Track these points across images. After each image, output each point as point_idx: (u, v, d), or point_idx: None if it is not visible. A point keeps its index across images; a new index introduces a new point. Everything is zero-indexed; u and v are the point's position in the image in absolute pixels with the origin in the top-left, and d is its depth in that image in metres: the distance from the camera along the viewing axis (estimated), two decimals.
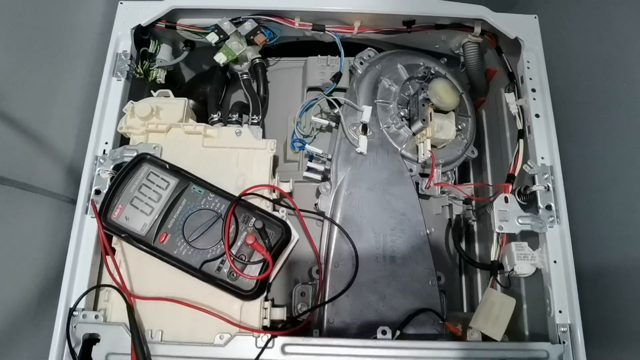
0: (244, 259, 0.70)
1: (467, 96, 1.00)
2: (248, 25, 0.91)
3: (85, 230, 0.76)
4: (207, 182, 0.74)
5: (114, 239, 0.74)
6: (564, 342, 0.72)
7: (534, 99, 0.87)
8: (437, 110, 0.89)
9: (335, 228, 0.82)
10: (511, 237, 0.82)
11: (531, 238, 0.82)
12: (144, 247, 0.69)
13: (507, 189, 0.82)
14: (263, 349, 0.67)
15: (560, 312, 0.75)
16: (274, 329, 0.76)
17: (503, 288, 0.82)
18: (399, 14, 0.92)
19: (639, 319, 0.75)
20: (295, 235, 0.76)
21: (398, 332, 0.74)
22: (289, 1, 0.90)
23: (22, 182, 0.71)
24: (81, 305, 0.72)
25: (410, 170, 0.90)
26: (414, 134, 0.91)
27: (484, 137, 1.13)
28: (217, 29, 0.91)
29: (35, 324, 0.74)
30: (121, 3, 0.91)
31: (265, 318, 0.73)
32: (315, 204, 0.87)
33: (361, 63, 0.96)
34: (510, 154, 0.96)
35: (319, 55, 1.01)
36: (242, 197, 0.74)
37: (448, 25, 0.95)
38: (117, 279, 0.71)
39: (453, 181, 0.99)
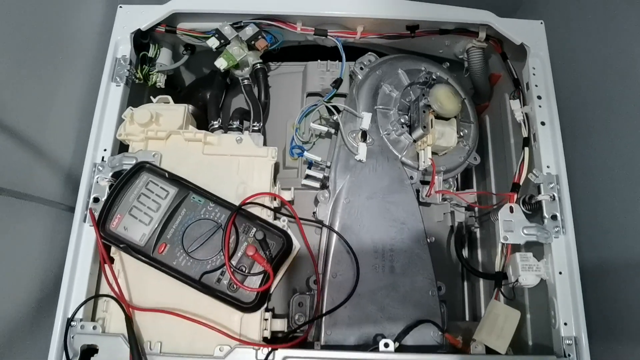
0: (244, 270, 0.69)
1: (469, 101, 0.99)
2: (249, 30, 0.90)
3: (84, 238, 0.75)
4: (207, 191, 0.73)
5: (113, 248, 0.73)
6: (569, 355, 0.71)
7: (540, 106, 0.86)
8: (439, 116, 0.87)
9: (334, 237, 0.81)
10: (516, 248, 0.81)
11: (536, 247, 0.80)
12: (143, 258, 0.68)
13: (512, 199, 0.81)
14: None
15: (565, 324, 0.74)
16: (275, 339, 0.76)
17: (507, 300, 0.80)
18: (403, 19, 0.90)
19: None
20: (296, 244, 0.75)
21: (397, 344, 0.73)
22: (291, 6, 0.89)
23: (19, 190, 0.69)
24: (79, 315, 0.71)
25: (411, 178, 0.89)
26: (414, 141, 0.90)
27: (487, 142, 1.11)
28: (218, 33, 0.90)
29: (32, 335, 0.73)
30: (120, 7, 0.90)
31: (265, 329, 0.72)
32: (314, 212, 0.86)
33: (361, 68, 0.95)
34: (514, 161, 0.95)
35: (319, 61, 1.00)
36: (243, 207, 0.73)
37: (452, 31, 0.94)
38: (116, 289, 0.70)
39: (455, 188, 0.98)
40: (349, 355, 0.68)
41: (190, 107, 1.04)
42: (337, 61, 0.98)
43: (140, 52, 0.93)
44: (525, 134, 0.86)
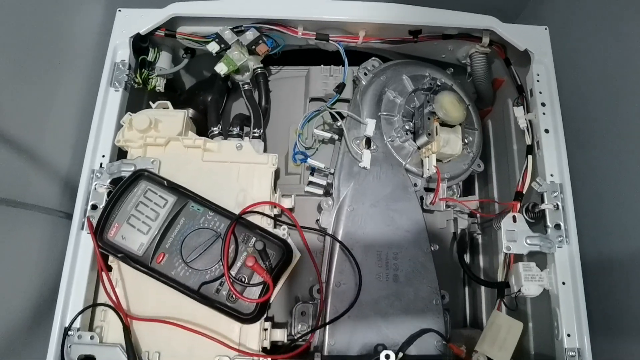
0: (243, 280, 0.68)
1: (473, 107, 0.98)
2: (250, 35, 0.89)
3: (81, 246, 0.74)
4: (206, 199, 0.72)
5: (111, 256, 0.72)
6: None
7: (544, 113, 0.85)
8: (443, 124, 0.86)
9: (337, 245, 0.80)
10: (518, 257, 0.80)
11: (539, 256, 0.80)
12: (141, 268, 0.67)
13: (515, 208, 0.80)
14: None
15: (568, 335, 0.73)
16: (275, 348, 0.75)
17: (509, 310, 0.79)
18: (406, 24, 0.89)
19: None
20: (297, 254, 0.74)
21: (400, 354, 0.72)
22: (292, 10, 0.87)
23: (16, 199, 0.69)
24: (76, 324, 0.70)
25: (415, 185, 0.88)
26: (419, 148, 0.88)
27: (489, 147, 1.10)
28: (218, 38, 0.88)
29: (29, 344, 0.72)
30: (119, 11, 0.89)
31: (265, 339, 0.71)
32: (317, 220, 0.85)
33: (365, 74, 0.94)
34: (517, 167, 0.94)
35: (322, 65, 0.98)
36: (242, 215, 0.72)
37: (455, 35, 0.92)
38: (114, 298, 0.69)
39: (458, 195, 0.97)
40: None
41: (191, 111, 1.03)
42: (340, 66, 0.97)
43: (140, 56, 0.92)
44: (528, 141, 0.85)
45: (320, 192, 0.87)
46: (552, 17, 1.04)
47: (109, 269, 0.73)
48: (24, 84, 0.74)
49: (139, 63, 0.92)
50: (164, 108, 0.85)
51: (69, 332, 0.69)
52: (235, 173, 0.79)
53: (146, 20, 0.88)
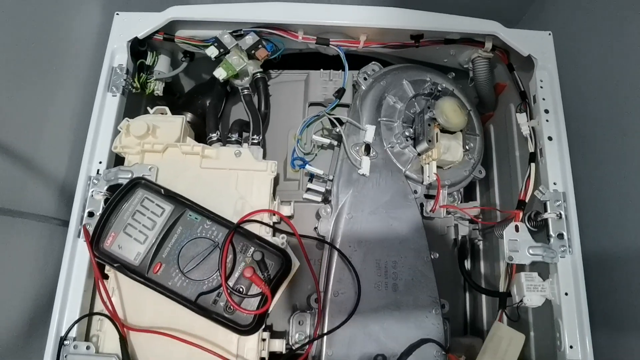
0: (241, 291, 0.67)
1: (475, 113, 0.97)
2: (249, 39, 0.88)
3: (78, 254, 0.74)
4: (204, 208, 0.71)
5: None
6: None
7: (547, 120, 0.83)
8: (444, 130, 0.85)
9: (336, 254, 0.79)
10: (520, 267, 0.79)
11: (541, 265, 0.78)
12: (137, 278, 0.66)
13: (518, 217, 0.79)
14: None
15: (571, 347, 0.72)
16: (273, 357, 0.74)
17: (511, 321, 0.78)
18: (407, 29, 0.88)
19: None
20: (296, 263, 0.73)
21: None
22: (292, 15, 0.86)
23: (11, 207, 0.68)
24: (72, 334, 0.70)
25: (415, 192, 0.87)
26: (419, 154, 0.87)
27: (491, 152, 1.09)
28: (217, 42, 0.87)
29: (24, 354, 0.71)
30: (117, 14, 0.87)
31: (263, 350, 0.71)
32: (315, 228, 0.84)
33: (365, 78, 0.93)
34: (519, 174, 0.93)
35: (322, 70, 0.97)
36: (241, 224, 0.71)
37: (458, 40, 0.91)
38: (110, 308, 0.68)
39: (459, 201, 0.96)
40: None
41: (189, 115, 1.02)
42: (339, 70, 0.96)
43: (138, 60, 0.91)
44: (531, 149, 0.84)
45: (319, 199, 0.86)
46: (554, 22, 1.02)
47: (106, 277, 0.73)
48: (19, 88, 0.73)
49: (137, 67, 0.91)
50: (162, 113, 0.84)
51: (65, 342, 0.69)
52: (233, 180, 0.78)
53: (144, 24, 0.87)
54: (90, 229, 0.71)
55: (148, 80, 0.94)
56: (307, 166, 0.85)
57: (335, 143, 0.90)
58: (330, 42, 0.90)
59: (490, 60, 0.95)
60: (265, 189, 0.78)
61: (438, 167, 0.85)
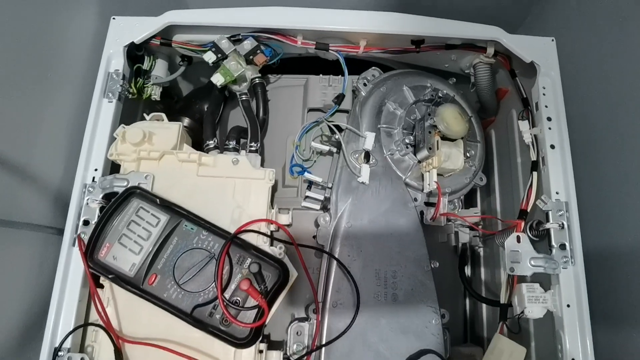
0: (238, 303, 0.66)
1: (476, 119, 0.95)
2: (247, 44, 0.86)
3: (73, 263, 0.73)
4: (200, 217, 0.70)
5: None
6: None
7: (550, 128, 0.82)
8: (445, 137, 0.84)
9: (334, 263, 0.78)
10: (522, 277, 0.78)
11: (543, 275, 0.77)
12: (133, 289, 0.65)
13: (519, 227, 0.78)
14: None
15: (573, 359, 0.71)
16: None
17: (512, 333, 0.77)
18: (408, 34, 0.86)
19: None
20: (294, 273, 0.72)
21: None
22: (291, 20, 0.85)
23: (4, 218, 0.66)
24: (67, 344, 0.69)
25: (415, 200, 0.86)
26: (419, 162, 0.86)
27: (492, 158, 1.08)
28: (215, 47, 0.86)
29: None
30: (113, 19, 0.86)
31: None
32: (314, 236, 0.83)
33: (365, 84, 0.91)
34: (521, 181, 0.91)
35: (321, 75, 0.96)
36: (238, 234, 0.69)
37: (459, 46, 0.90)
38: (105, 318, 0.67)
39: (460, 208, 0.94)
40: None
41: (187, 120, 1.01)
42: (339, 75, 0.95)
43: (135, 65, 0.90)
44: (533, 157, 0.83)
45: (318, 206, 0.85)
46: (556, 26, 1.00)
47: (101, 286, 0.71)
48: (13, 94, 0.72)
49: (134, 72, 0.89)
50: (158, 120, 0.83)
51: (59, 353, 0.68)
52: (231, 188, 0.77)
53: (141, 28, 0.86)
54: (85, 238, 0.70)
55: (145, 85, 0.93)
56: (306, 174, 0.84)
57: (335, 150, 0.89)
58: (330, 47, 0.89)
59: (492, 66, 0.94)
60: (262, 197, 0.77)
61: (438, 174, 0.84)
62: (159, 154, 0.78)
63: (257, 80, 0.91)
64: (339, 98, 0.91)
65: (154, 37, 0.87)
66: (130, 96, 0.87)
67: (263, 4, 0.85)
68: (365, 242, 0.80)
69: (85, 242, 0.68)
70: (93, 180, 0.77)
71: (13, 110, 0.72)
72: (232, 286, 0.66)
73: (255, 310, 0.65)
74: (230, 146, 0.83)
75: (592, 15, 0.90)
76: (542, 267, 0.73)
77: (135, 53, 0.89)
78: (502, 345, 0.73)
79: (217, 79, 0.85)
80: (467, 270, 1.08)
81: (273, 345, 0.81)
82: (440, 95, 0.89)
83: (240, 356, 0.68)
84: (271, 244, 0.75)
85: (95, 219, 0.73)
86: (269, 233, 0.75)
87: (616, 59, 0.83)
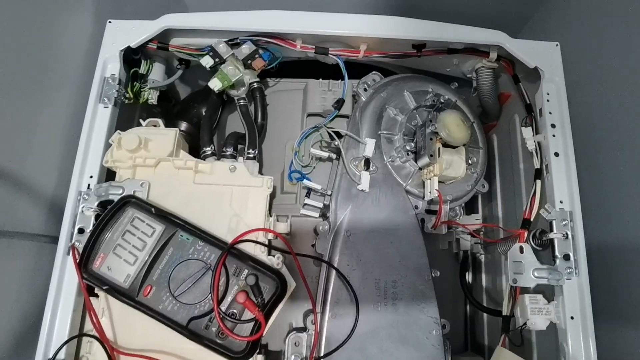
0: (234, 315, 0.64)
1: (478, 125, 0.94)
2: (245, 49, 0.85)
3: (67, 272, 0.71)
4: (196, 227, 0.69)
5: None
6: None
7: (554, 135, 0.80)
8: (446, 144, 0.82)
9: (334, 273, 0.76)
10: (525, 288, 0.76)
11: (546, 285, 0.75)
12: (127, 301, 0.64)
13: (522, 237, 0.76)
14: None
15: None
16: None
17: (514, 345, 0.76)
18: (409, 39, 0.85)
19: None
20: (292, 283, 0.71)
21: None
22: (291, 23, 0.83)
23: None
24: (61, 355, 0.67)
25: (416, 207, 0.84)
26: (420, 169, 0.85)
27: (494, 163, 1.06)
28: (212, 51, 0.84)
29: None
30: (109, 22, 0.85)
31: None
32: (313, 245, 0.81)
33: (365, 89, 0.90)
34: (524, 188, 0.90)
35: (321, 80, 0.94)
36: (235, 244, 0.68)
37: (461, 50, 0.88)
38: (100, 330, 0.66)
39: (461, 215, 0.93)
40: None
41: (184, 124, 1.00)
42: (339, 80, 0.93)
43: (131, 69, 0.88)
44: (537, 164, 0.81)
45: (317, 214, 0.84)
46: (558, 31, 0.98)
47: (95, 296, 0.70)
48: (7, 99, 0.70)
49: (130, 76, 0.88)
50: (155, 126, 0.81)
51: None
52: (228, 196, 0.76)
53: (137, 32, 0.84)
54: (80, 247, 0.69)
55: (142, 89, 0.91)
56: (305, 181, 0.82)
57: (334, 156, 0.87)
58: (330, 52, 0.87)
59: (495, 70, 0.92)
60: (260, 205, 0.76)
61: (440, 182, 0.83)
62: (154, 160, 0.76)
63: (255, 85, 0.89)
64: (339, 103, 0.89)
65: (150, 41, 0.85)
66: (126, 101, 0.85)
67: (261, 8, 0.84)
68: (365, 251, 0.79)
69: (80, 252, 0.67)
70: (88, 187, 0.75)
71: (7, 115, 0.71)
72: (229, 298, 0.65)
73: (252, 323, 0.64)
74: (228, 153, 0.82)
75: (596, 19, 0.88)
76: (545, 279, 0.72)
77: (131, 57, 0.88)
78: (505, 358, 0.71)
79: (215, 84, 0.83)
80: (468, 277, 1.07)
81: (271, 355, 0.80)
82: (442, 100, 0.87)
83: None
84: (269, 253, 0.74)
85: (91, 227, 0.72)
86: (266, 242, 0.74)
87: (619, 63, 0.81)
